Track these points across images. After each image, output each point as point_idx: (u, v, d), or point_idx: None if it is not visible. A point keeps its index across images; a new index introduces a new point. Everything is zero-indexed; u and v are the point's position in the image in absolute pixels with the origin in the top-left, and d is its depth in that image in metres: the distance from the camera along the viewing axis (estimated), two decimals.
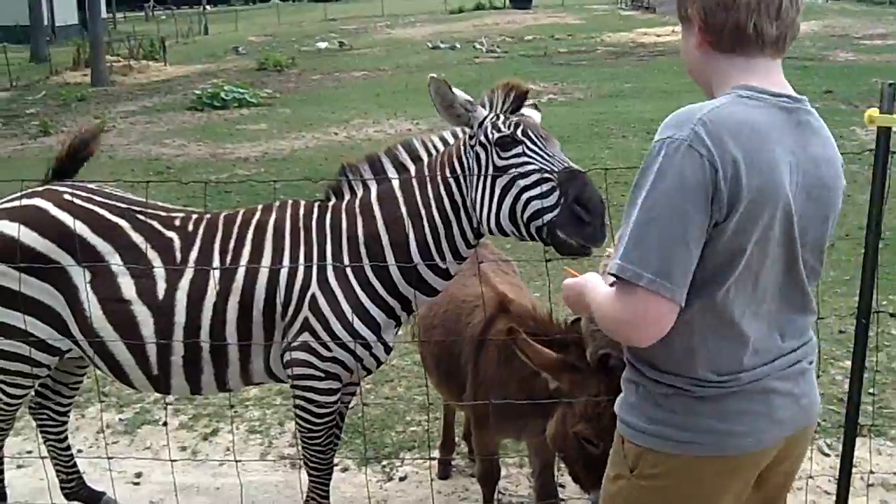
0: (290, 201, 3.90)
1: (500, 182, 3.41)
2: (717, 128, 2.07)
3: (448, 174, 3.60)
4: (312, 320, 3.66)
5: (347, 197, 3.81)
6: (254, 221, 3.83)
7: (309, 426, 3.86)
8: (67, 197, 3.78)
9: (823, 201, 2.26)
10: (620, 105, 18.31)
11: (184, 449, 5.21)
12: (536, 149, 3.39)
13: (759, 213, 2.11)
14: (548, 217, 3.31)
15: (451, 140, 3.71)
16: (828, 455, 4.92)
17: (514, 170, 3.38)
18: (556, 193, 3.30)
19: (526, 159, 3.38)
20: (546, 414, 3.48)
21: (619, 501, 2.46)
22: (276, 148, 15.24)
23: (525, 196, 3.35)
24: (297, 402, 3.82)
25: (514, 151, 3.39)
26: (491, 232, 3.54)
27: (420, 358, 4.60)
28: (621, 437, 2.43)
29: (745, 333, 2.24)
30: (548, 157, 3.38)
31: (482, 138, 3.46)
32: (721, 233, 2.10)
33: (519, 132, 3.40)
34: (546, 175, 3.33)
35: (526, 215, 3.36)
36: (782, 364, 2.33)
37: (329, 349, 3.68)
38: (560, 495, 4.63)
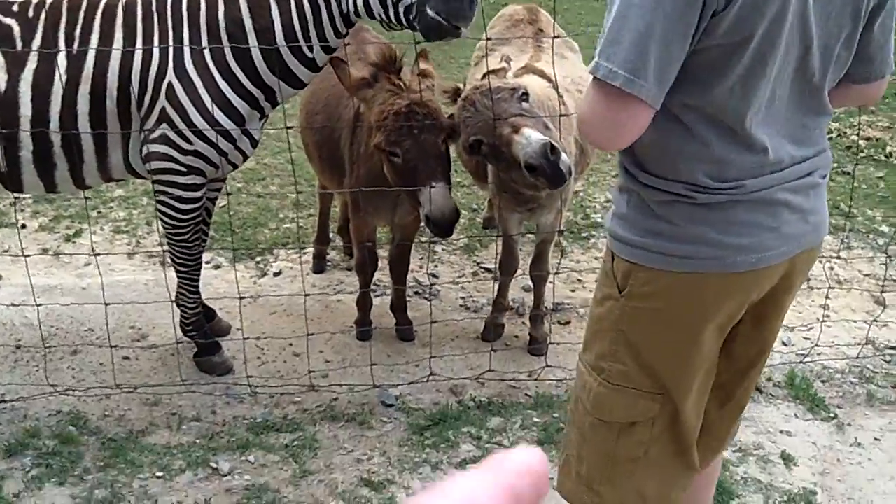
0: None
1: None
2: None
3: None
4: (170, 111, 3.48)
5: None
6: (101, 5, 3.54)
7: (174, 222, 3.75)
8: None
9: None
10: None
11: (46, 251, 5.04)
12: None
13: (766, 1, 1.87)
14: None
15: None
16: None
17: None
18: None
19: None
20: (414, 195, 3.54)
21: (606, 325, 2.25)
22: None
23: None
24: (159, 197, 3.68)
25: None
26: (358, 13, 3.40)
27: (303, 147, 4.51)
28: (611, 254, 2.22)
29: (753, 137, 2.02)
30: None
31: None
32: (720, 22, 1.86)
33: None
34: None
35: None
36: (792, 174, 2.10)
37: (190, 142, 3.52)
38: (433, 285, 4.72)
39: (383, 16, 3.35)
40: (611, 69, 1.86)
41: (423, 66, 3.72)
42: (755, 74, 1.95)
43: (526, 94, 3.54)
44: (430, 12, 3.20)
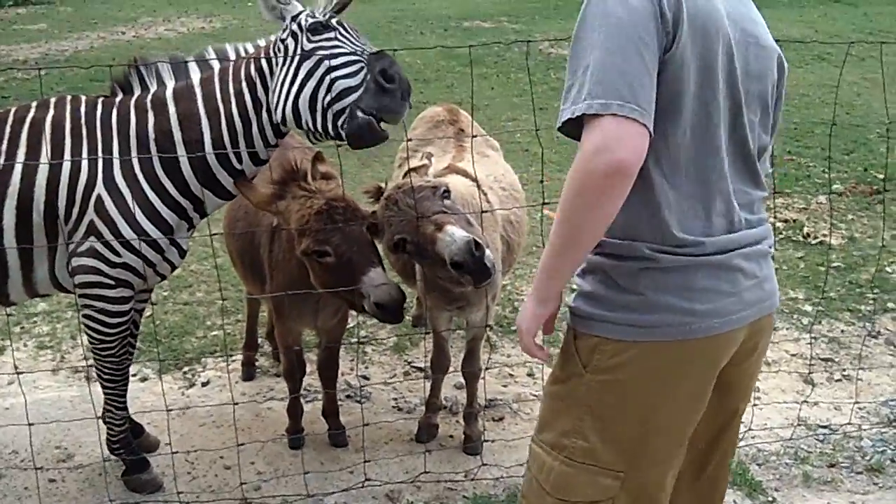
0: (69, 96, 3.61)
1: (307, 65, 3.32)
2: None
3: (253, 70, 3.46)
4: (98, 223, 3.44)
5: (138, 92, 3.58)
6: (28, 119, 3.52)
7: (100, 337, 3.67)
8: None
9: (762, 59, 2.23)
10: (418, 1, 18.14)
11: None
12: (349, 36, 3.33)
13: (700, 39, 2.06)
14: (351, 97, 3.26)
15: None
16: None
17: (321, 52, 3.29)
18: (363, 74, 3.26)
19: (337, 43, 3.30)
20: (334, 299, 3.58)
21: (569, 402, 2.27)
22: (57, 49, 14.25)
23: (330, 77, 3.27)
24: (86, 311, 3.61)
25: (325, 35, 3.31)
26: (284, 121, 3.42)
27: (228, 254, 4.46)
28: (572, 331, 2.28)
29: (710, 194, 2.16)
30: (359, 44, 3.32)
31: (294, 27, 3.35)
32: (669, 62, 2.04)
33: (334, 21, 3.33)
34: (356, 57, 3.28)
35: (329, 98, 3.28)
36: (745, 238, 2.23)
37: (118, 254, 3.48)
38: (364, 387, 4.67)
39: (311, 125, 3.36)
40: (604, 102, 1.95)
41: (322, 168, 3.76)
42: (703, 123, 2.11)
43: (447, 191, 3.59)
44: (360, 114, 3.25)
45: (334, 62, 3.28)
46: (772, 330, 2.40)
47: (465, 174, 4.11)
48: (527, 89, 11.05)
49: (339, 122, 3.30)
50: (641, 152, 1.98)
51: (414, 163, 3.87)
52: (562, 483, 2.28)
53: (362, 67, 3.26)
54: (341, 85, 3.27)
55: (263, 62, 3.44)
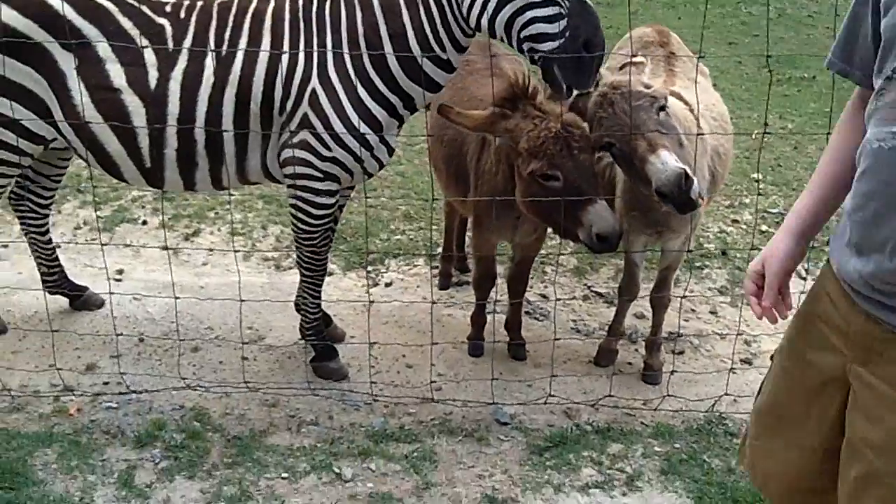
0: None
1: None
2: None
3: None
4: (312, 117, 3.51)
5: None
6: (251, 9, 3.59)
7: (305, 226, 3.78)
8: None
9: None
10: None
11: (165, 249, 5.11)
12: None
13: None
14: (547, 46, 3.20)
15: None
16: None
17: None
18: (562, 23, 3.16)
19: None
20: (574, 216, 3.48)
21: None
22: None
23: (530, 13, 3.19)
24: (294, 201, 3.72)
25: None
26: (478, 28, 3.37)
27: (432, 160, 4.46)
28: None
29: None
30: None
31: None
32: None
33: None
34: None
35: (524, 34, 3.22)
36: None
37: (329, 148, 3.55)
38: (545, 306, 4.68)
39: (504, 39, 3.33)
40: None
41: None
42: None
43: (665, 104, 3.48)
44: (555, 70, 3.22)
45: None
46: None
47: (678, 98, 3.97)
48: (715, 21, 10.69)
49: (534, 58, 3.26)
50: None
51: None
52: None
53: (561, 14, 3.17)
54: (538, 28, 3.19)
55: None
